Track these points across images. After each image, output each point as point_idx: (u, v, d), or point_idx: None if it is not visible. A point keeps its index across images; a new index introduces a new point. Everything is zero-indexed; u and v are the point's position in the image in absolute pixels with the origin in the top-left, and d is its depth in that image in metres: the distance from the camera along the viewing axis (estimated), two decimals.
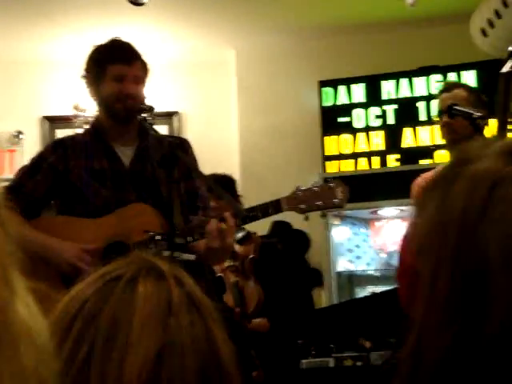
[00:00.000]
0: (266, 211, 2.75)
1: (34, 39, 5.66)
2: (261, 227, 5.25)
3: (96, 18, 5.33)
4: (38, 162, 2.86)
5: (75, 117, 5.80)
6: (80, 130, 5.42)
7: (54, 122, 5.98)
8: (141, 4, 4.47)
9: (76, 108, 5.79)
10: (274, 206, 2.77)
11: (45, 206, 2.87)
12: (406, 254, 1.25)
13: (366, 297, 5.09)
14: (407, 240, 1.31)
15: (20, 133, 5.89)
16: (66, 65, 5.98)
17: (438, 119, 3.41)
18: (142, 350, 0.87)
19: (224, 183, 3.67)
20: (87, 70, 2.95)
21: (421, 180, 3.33)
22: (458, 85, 3.78)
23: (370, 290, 5.43)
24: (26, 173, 2.85)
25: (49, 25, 5.42)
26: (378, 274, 5.60)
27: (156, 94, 5.71)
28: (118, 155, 2.86)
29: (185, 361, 0.88)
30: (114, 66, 2.85)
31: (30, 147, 5.35)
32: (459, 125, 3.14)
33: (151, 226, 2.59)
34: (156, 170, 2.78)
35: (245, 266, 3.83)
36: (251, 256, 3.83)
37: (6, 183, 3.01)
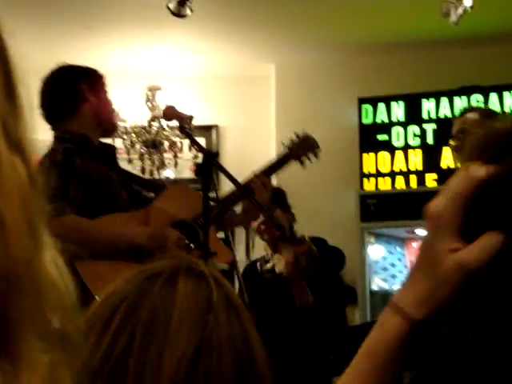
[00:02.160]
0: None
1: (76, 51, 5.72)
2: None
3: (139, 31, 5.38)
4: (65, 168, 2.82)
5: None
6: (119, 140, 5.47)
7: None
8: (183, 16, 4.50)
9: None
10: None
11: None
12: None
13: None
14: None
15: None
16: (107, 76, 6.03)
17: (452, 143, 3.42)
18: (181, 345, 0.89)
19: (274, 195, 3.67)
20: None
21: None
22: (474, 109, 3.75)
23: None
24: (63, 177, 2.80)
25: (92, 37, 5.48)
26: None
27: (195, 107, 5.75)
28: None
29: (222, 358, 0.90)
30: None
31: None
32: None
33: (196, 204, 2.64)
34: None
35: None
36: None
37: None
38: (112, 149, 3.14)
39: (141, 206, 2.89)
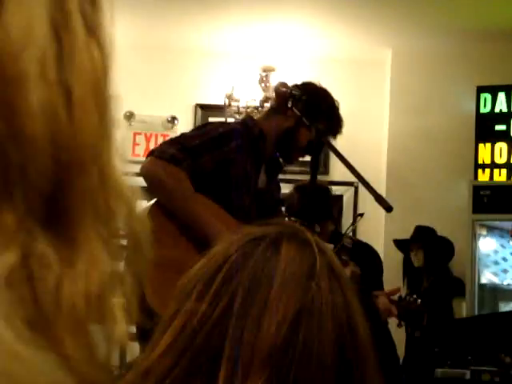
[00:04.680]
0: None
1: (194, 29, 5.79)
2: (404, 232, 5.15)
3: (254, 12, 5.39)
4: (222, 139, 2.75)
5: (228, 106, 5.89)
6: (231, 119, 5.51)
7: (207, 109, 6.10)
8: None
9: (229, 97, 5.89)
10: None
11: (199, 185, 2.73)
12: None
13: (509, 311, 4.90)
14: None
15: (174, 118, 6.05)
16: (223, 55, 6.09)
17: None
18: (282, 309, 0.88)
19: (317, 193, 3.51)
20: (309, 103, 2.88)
21: None
22: None
23: None
24: (210, 144, 2.72)
25: (209, 16, 5.53)
26: None
27: None
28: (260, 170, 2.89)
29: (322, 325, 0.89)
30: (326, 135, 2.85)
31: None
32: None
33: None
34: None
35: None
36: None
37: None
38: (279, 164, 3.02)
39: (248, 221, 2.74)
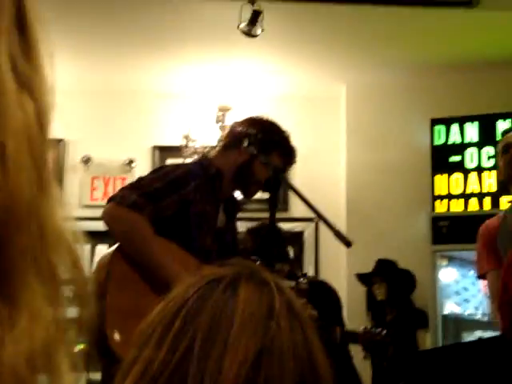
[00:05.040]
0: None
1: (149, 70, 5.81)
2: (367, 266, 5.17)
3: (209, 51, 5.43)
4: (180, 181, 2.77)
5: (185, 147, 5.89)
6: (189, 160, 5.50)
7: (164, 151, 6.10)
8: (254, 36, 4.52)
9: (186, 138, 5.89)
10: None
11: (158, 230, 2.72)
12: None
13: (472, 341, 4.91)
14: None
15: (131, 161, 6.03)
16: (179, 96, 6.11)
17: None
18: (242, 350, 0.87)
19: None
20: (259, 137, 2.90)
21: (484, 227, 3.38)
22: None
23: (477, 335, 5.24)
24: (169, 187, 2.73)
25: (165, 56, 5.56)
26: (486, 318, 5.40)
27: None
28: (218, 210, 2.89)
29: (284, 365, 0.88)
30: (277, 157, 2.89)
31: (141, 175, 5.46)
32: None
33: None
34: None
35: None
36: None
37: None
38: (237, 204, 3.05)
39: (210, 261, 2.76)
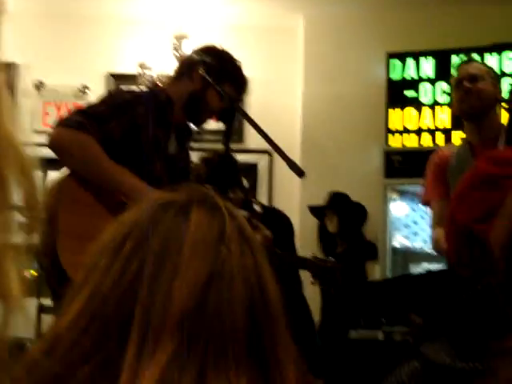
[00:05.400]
0: None
1: None
2: (319, 199, 5.21)
3: None
4: (128, 105, 2.74)
5: (140, 75, 5.81)
6: (144, 88, 5.44)
7: (119, 78, 6.01)
8: None
9: (141, 66, 5.81)
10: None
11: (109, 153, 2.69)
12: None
13: (420, 274, 5.03)
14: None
15: (86, 87, 5.94)
16: (135, 23, 6.00)
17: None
18: (192, 274, 0.88)
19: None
20: (213, 66, 2.87)
21: (435, 156, 3.43)
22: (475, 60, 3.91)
23: (424, 267, 5.36)
24: (116, 110, 2.70)
25: None
26: (434, 251, 5.51)
27: None
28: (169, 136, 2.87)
29: (233, 288, 0.90)
30: (229, 86, 2.84)
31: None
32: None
33: None
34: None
35: None
36: None
37: None
38: (190, 131, 3.00)
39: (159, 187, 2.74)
